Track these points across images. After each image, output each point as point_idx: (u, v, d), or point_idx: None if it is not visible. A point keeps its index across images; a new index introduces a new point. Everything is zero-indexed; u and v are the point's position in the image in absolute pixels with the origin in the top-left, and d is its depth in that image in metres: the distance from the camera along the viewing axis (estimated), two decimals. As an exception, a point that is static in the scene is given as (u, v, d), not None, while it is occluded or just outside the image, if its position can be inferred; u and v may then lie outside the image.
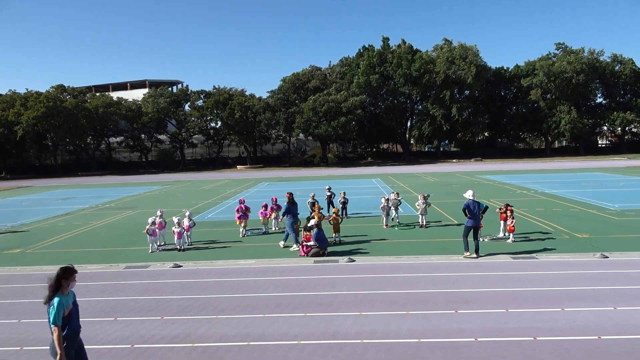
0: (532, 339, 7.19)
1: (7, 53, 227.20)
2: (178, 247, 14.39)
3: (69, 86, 67.87)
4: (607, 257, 11.71)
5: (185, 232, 14.73)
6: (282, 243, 14.52)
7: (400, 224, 17.09)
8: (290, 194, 14.64)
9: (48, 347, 5.43)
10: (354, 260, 12.30)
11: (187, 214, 15.19)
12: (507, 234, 14.23)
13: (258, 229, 16.92)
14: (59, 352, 5.18)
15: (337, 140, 72.97)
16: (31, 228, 19.88)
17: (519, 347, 6.96)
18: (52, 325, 5.19)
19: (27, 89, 66.63)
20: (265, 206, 16.79)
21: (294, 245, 14.01)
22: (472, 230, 12.12)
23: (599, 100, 71.37)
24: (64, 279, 5.40)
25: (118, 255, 14.16)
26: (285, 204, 14.53)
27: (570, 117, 61.25)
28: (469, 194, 12.44)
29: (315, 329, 7.87)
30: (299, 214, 14.79)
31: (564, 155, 67.70)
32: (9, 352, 7.32)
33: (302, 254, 13.04)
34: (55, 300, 5.26)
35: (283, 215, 14.58)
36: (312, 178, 43.16)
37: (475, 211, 12.04)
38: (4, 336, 7.28)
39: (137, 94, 76.53)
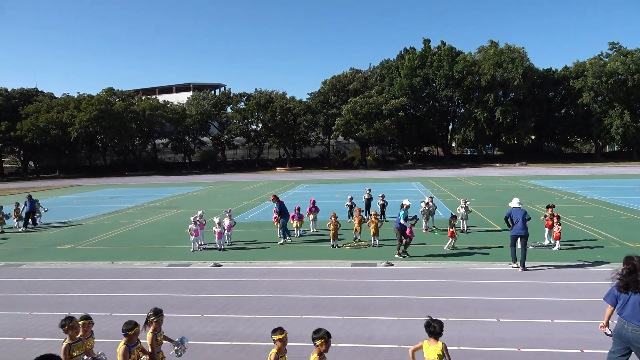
0: (578, 351, 6.90)
1: (60, 56, 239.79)
2: (218, 246, 14.70)
3: (118, 89, 70.65)
4: (663, 269, 11.06)
5: (225, 232, 15.03)
6: (281, 241, 15.51)
7: (439, 229, 16.77)
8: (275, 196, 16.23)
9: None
10: (392, 265, 12.19)
11: (228, 214, 15.50)
12: (553, 241, 13.69)
13: (292, 230, 16.97)
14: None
15: (377, 142, 72.46)
16: (81, 225, 20.83)
17: (564, 359, 6.68)
18: None
19: (79, 92, 70.04)
20: (299, 209, 16.54)
21: (281, 240, 15.49)
22: (518, 240, 11.57)
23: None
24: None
25: (162, 253, 14.62)
26: (277, 205, 15.68)
27: (622, 122, 58.22)
28: (514, 202, 12.04)
29: (351, 332, 7.85)
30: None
31: (615, 160, 64.36)
32: (58, 343, 7.66)
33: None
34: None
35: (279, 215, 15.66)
36: (351, 181, 43.04)
37: (516, 220, 11.56)
38: (53, 328, 7.63)
39: (182, 97, 78.75)
